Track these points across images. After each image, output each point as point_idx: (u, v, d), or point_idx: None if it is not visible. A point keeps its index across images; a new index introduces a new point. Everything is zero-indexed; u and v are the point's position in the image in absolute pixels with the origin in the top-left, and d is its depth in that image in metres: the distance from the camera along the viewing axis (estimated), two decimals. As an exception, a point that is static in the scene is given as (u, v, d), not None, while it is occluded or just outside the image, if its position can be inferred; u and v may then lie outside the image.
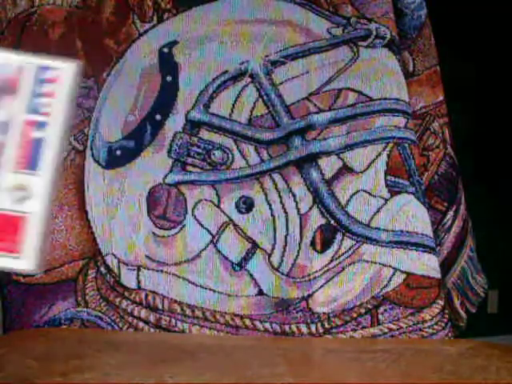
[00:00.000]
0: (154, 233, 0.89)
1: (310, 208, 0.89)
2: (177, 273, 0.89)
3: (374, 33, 0.91)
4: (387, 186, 0.89)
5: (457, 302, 0.95)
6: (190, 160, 0.89)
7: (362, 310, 0.87)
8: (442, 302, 0.88)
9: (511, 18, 1.65)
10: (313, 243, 0.89)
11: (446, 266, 0.94)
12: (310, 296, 0.88)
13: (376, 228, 0.88)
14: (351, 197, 0.89)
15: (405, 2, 0.94)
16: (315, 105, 0.90)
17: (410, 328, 0.87)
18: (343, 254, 0.88)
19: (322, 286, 0.88)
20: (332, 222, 0.88)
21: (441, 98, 0.96)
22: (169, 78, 0.91)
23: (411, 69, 0.95)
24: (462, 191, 0.96)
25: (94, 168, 0.91)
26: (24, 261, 0.40)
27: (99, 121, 0.91)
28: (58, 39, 0.93)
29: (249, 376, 0.69)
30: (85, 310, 0.90)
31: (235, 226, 0.89)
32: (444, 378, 0.69)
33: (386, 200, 0.89)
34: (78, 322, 0.89)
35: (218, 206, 0.89)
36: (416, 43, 0.95)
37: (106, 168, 0.91)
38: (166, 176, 0.89)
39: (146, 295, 0.89)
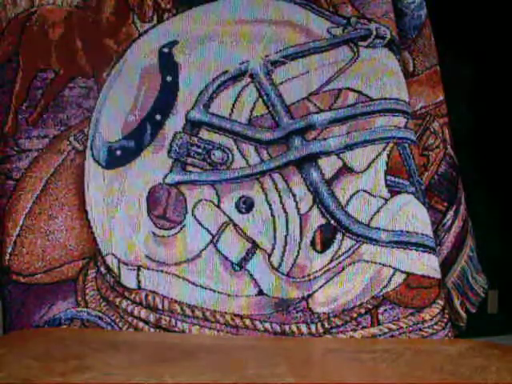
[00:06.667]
0: (153, 233, 0.89)
1: (310, 208, 0.89)
2: (177, 273, 0.89)
3: (374, 33, 0.91)
4: (387, 186, 0.89)
5: (457, 302, 0.95)
6: (189, 160, 0.89)
7: (362, 310, 0.87)
8: (442, 302, 0.88)
9: (511, 19, 1.65)
10: (313, 243, 0.89)
11: (446, 266, 0.94)
12: (310, 296, 0.88)
13: (376, 228, 0.88)
14: (351, 197, 0.89)
15: (405, 2, 0.94)
16: (315, 105, 0.90)
17: (410, 328, 0.87)
18: (343, 253, 0.88)
19: (321, 286, 0.88)
20: (332, 222, 0.88)
21: (441, 97, 0.96)
22: (169, 78, 0.91)
23: (411, 69, 0.95)
24: (462, 191, 0.96)
25: (94, 168, 0.91)
26: None
27: (99, 121, 0.92)
28: (58, 39, 0.93)
29: (249, 376, 0.69)
30: (85, 309, 0.90)
31: (235, 226, 0.89)
32: (444, 378, 0.69)
33: (386, 200, 0.89)
34: (78, 322, 0.89)
35: (218, 206, 0.89)
36: (416, 43, 0.95)
37: (106, 168, 0.91)
38: (166, 176, 0.89)
39: (146, 295, 0.89)
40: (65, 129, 0.92)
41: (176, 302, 0.89)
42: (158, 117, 0.90)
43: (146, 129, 0.90)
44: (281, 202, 0.89)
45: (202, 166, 0.89)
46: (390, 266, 0.88)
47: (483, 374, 0.69)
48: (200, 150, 0.89)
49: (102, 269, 0.90)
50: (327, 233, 0.89)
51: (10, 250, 0.90)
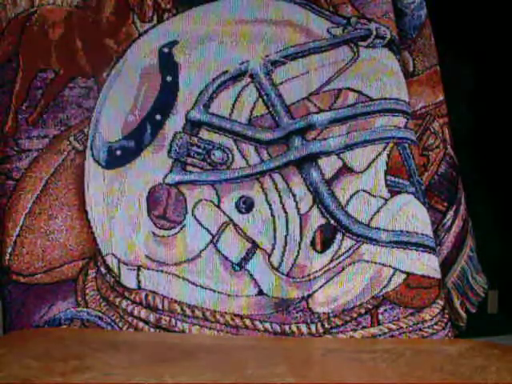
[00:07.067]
0: (153, 233, 0.89)
1: (310, 208, 0.89)
2: (177, 273, 0.89)
3: (374, 33, 0.91)
4: (387, 186, 0.89)
5: (457, 302, 0.95)
6: (189, 160, 0.89)
7: (362, 310, 0.87)
8: (441, 302, 0.88)
9: (511, 18, 1.65)
10: (313, 243, 0.89)
11: (446, 266, 0.94)
12: (309, 296, 0.88)
13: (376, 228, 0.88)
14: (351, 197, 0.89)
15: (405, 2, 0.94)
16: (315, 105, 0.90)
17: (410, 328, 0.87)
18: (343, 253, 0.88)
19: (321, 286, 0.88)
20: (332, 221, 0.88)
21: (441, 97, 0.96)
22: (169, 78, 0.91)
23: (411, 69, 0.95)
24: (462, 191, 0.96)
25: (94, 168, 0.91)
26: None
27: (99, 121, 0.92)
28: (58, 39, 0.93)
29: (249, 376, 0.69)
30: (85, 309, 0.90)
31: (235, 225, 0.89)
32: (444, 378, 0.69)
33: (386, 200, 0.89)
34: (78, 322, 0.89)
35: (218, 206, 0.89)
36: (416, 43, 0.95)
37: (106, 168, 0.91)
38: (166, 176, 0.90)
39: (146, 295, 0.89)
40: (65, 129, 0.92)
41: (176, 302, 0.89)
42: (158, 117, 0.90)
43: (146, 129, 0.90)
44: (281, 202, 0.89)
45: (202, 166, 0.89)
46: (390, 266, 0.88)
47: (483, 374, 0.69)
48: (200, 150, 0.89)
49: (102, 269, 0.90)
50: (327, 233, 0.89)
51: (9, 250, 0.90)
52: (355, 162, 0.89)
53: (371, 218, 0.88)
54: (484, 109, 1.69)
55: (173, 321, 0.88)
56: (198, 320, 0.88)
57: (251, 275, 0.88)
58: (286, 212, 0.89)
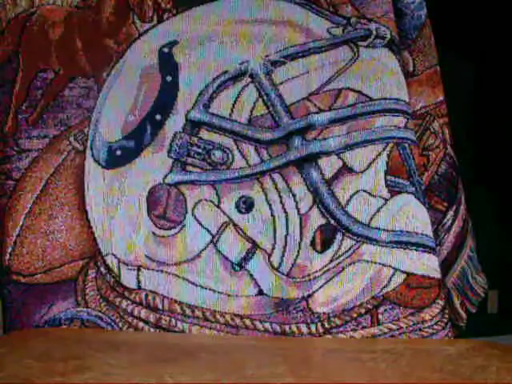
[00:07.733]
0: (153, 233, 0.89)
1: (310, 208, 0.89)
2: (177, 273, 0.89)
3: (374, 33, 0.91)
4: (387, 186, 0.89)
5: (457, 302, 0.95)
6: (190, 160, 0.89)
7: (362, 310, 0.87)
8: (441, 302, 0.88)
9: (511, 18, 1.65)
10: (313, 243, 0.89)
11: (446, 266, 0.94)
12: (309, 296, 0.88)
13: (376, 228, 0.88)
14: (351, 197, 0.89)
15: (405, 2, 0.94)
16: (315, 105, 0.90)
17: (410, 328, 0.87)
18: (343, 254, 0.88)
19: (321, 286, 0.88)
20: (332, 222, 0.88)
21: (441, 97, 0.96)
22: (169, 78, 0.91)
23: (411, 69, 0.95)
24: (462, 191, 0.96)
25: (94, 168, 0.91)
26: None
27: (99, 121, 0.92)
28: (58, 39, 0.93)
29: (249, 376, 0.69)
30: (85, 309, 0.90)
31: (235, 225, 0.89)
32: (444, 378, 0.69)
33: (386, 200, 0.89)
34: (78, 322, 0.89)
35: (218, 206, 0.89)
36: (416, 43, 0.95)
37: (106, 168, 0.91)
38: (166, 176, 0.90)
39: (146, 295, 0.89)
40: (65, 129, 0.92)
41: (176, 302, 0.89)
42: (158, 117, 0.90)
43: (146, 129, 0.90)
44: (281, 202, 0.89)
45: (202, 166, 0.89)
46: (390, 266, 0.88)
47: (483, 374, 0.69)
48: (200, 150, 0.89)
49: (102, 269, 0.90)
50: (327, 233, 0.89)
51: (10, 249, 0.90)
52: (355, 162, 0.89)
53: (371, 218, 0.88)
54: (484, 109, 1.69)
55: (173, 321, 0.88)
56: (198, 320, 0.88)
57: (251, 275, 0.88)
58: (286, 212, 0.89)
